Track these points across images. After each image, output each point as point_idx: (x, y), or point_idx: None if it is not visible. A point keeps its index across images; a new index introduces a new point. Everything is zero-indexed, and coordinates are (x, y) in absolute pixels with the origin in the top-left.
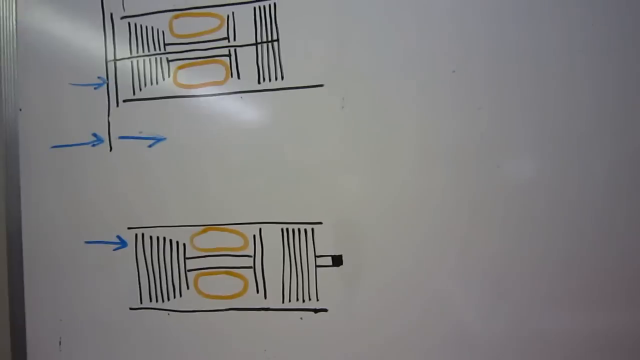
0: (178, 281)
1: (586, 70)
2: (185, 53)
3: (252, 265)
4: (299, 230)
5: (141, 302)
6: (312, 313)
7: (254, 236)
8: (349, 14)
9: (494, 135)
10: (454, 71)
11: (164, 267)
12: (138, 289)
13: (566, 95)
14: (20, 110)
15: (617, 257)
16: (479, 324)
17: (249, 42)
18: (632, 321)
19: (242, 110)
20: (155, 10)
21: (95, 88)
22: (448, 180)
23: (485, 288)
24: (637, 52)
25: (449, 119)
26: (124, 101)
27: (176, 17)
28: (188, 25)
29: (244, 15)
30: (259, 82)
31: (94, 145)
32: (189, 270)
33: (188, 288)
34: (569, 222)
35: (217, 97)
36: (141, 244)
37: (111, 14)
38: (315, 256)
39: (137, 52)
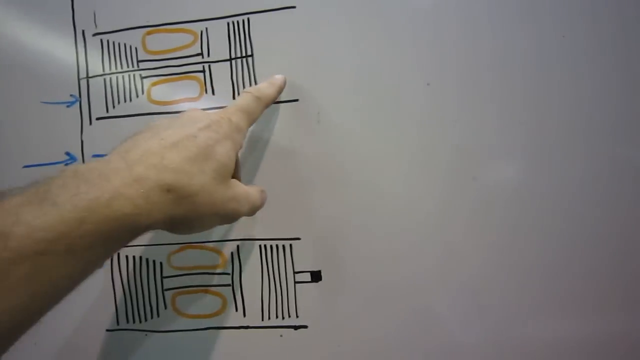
0: (155, 301)
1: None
2: (159, 69)
3: (230, 283)
4: (277, 246)
5: (118, 324)
6: (292, 330)
7: (232, 253)
8: (322, 28)
9: (470, 147)
10: (428, 84)
11: (140, 287)
12: (114, 309)
13: (542, 103)
14: None
15: (607, 263)
16: (465, 337)
17: (223, 58)
18: (621, 329)
19: None
20: (128, 27)
21: (67, 106)
22: (426, 192)
23: (471, 299)
24: (618, 58)
25: (424, 130)
26: (97, 119)
27: (149, 33)
28: (161, 42)
29: (218, 30)
30: (233, 98)
31: (67, 164)
32: (167, 290)
33: (165, 308)
34: (555, 229)
35: None
36: (117, 264)
37: (83, 31)
38: (294, 272)
39: (110, 69)
